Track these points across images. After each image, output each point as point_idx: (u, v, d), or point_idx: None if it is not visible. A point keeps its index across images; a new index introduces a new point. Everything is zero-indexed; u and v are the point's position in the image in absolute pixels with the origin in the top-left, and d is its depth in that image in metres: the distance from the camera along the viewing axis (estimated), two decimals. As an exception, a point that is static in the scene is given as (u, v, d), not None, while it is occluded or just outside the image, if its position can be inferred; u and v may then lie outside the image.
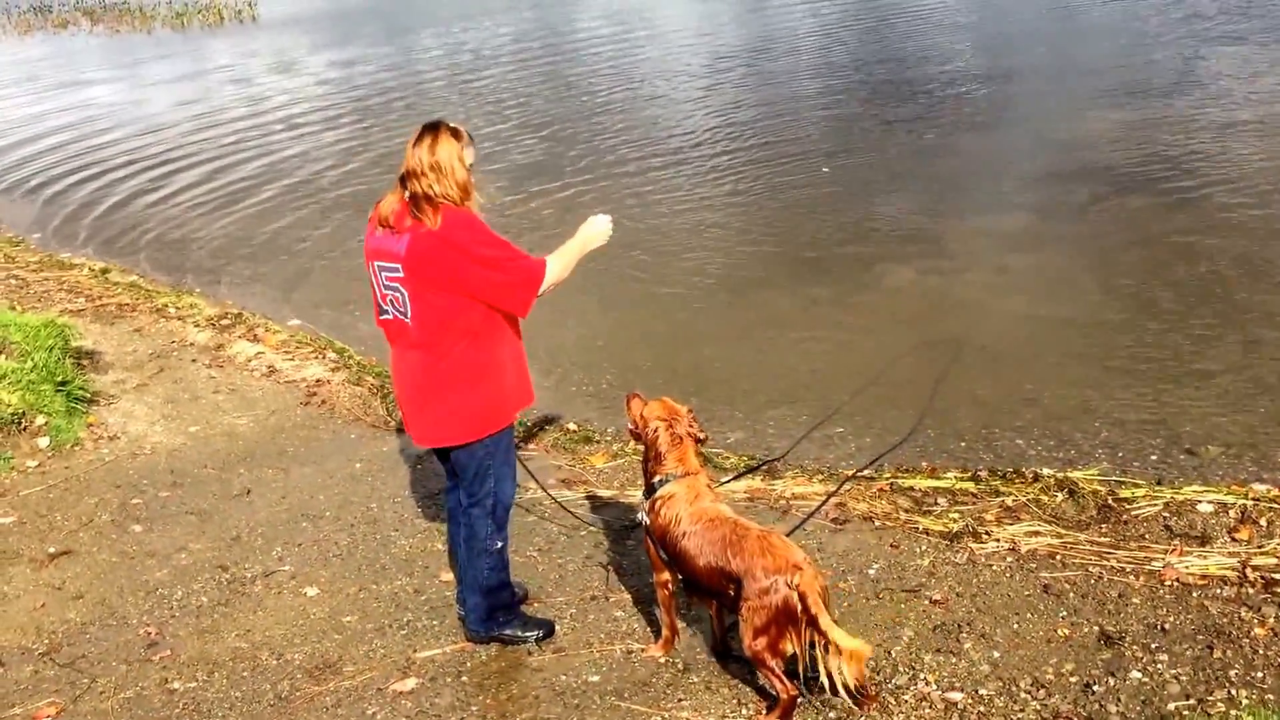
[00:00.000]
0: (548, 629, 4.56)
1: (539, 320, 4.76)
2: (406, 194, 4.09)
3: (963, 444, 6.28)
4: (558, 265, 4.27)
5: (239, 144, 16.06)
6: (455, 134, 4.15)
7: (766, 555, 3.76)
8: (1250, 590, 4.31)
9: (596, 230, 4.43)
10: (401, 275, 4.12)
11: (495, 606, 4.52)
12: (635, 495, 5.32)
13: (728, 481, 5.48)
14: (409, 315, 4.17)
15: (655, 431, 4.24)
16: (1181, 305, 7.55)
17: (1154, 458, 5.91)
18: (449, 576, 4.93)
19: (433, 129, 4.14)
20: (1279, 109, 11.27)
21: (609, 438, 6.52)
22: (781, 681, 3.78)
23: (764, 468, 5.85)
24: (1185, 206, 9.27)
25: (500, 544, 4.48)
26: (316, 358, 8.15)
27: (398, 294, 4.17)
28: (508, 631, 4.53)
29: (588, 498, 5.71)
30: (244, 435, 6.93)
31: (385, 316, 4.29)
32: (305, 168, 14.52)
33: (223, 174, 14.43)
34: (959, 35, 17.65)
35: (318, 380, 7.71)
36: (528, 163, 13.36)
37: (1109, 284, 8.07)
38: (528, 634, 4.52)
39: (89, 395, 7.31)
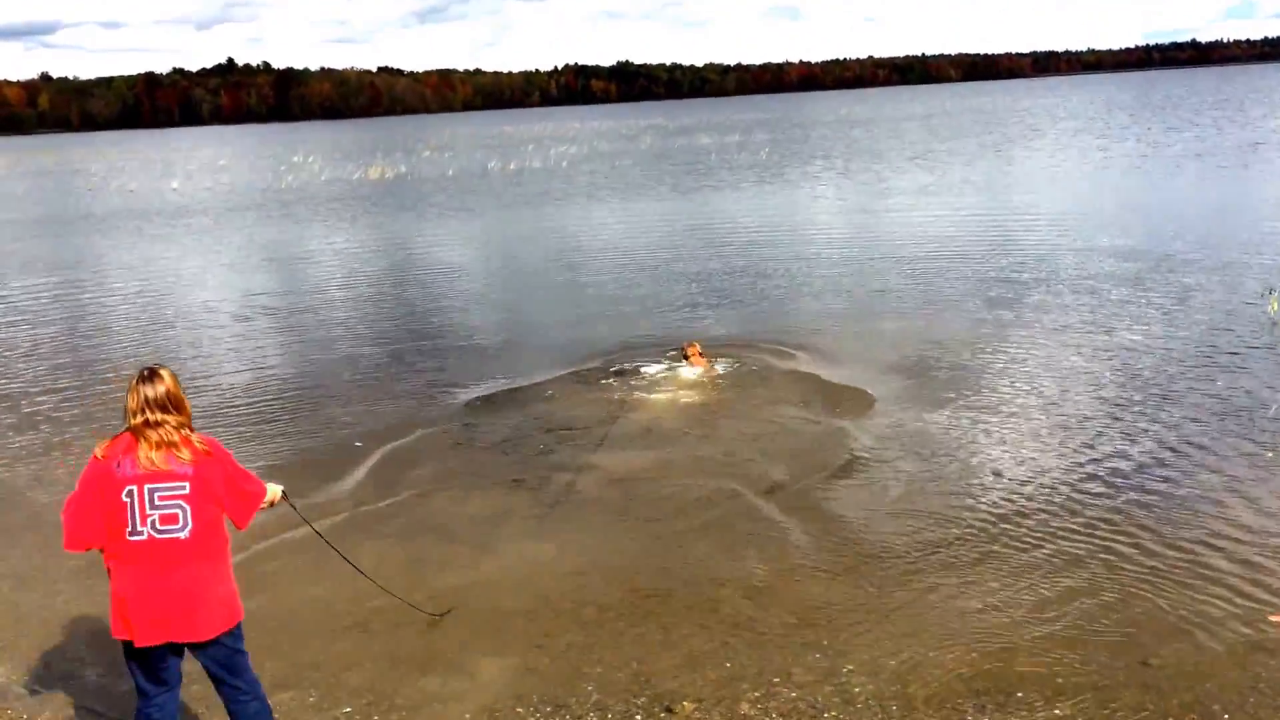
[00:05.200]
0: None
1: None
2: (161, 427, 4.88)
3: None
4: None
5: None
6: (173, 374, 5.06)
7: None
8: None
9: (273, 491, 5.44)
10: (187, 492, 4.88)
11: None
12: None
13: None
14: (189, 527, 4.88)
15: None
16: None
17: (639, 717, 6.14)
18: None
19: (154, 373, 4.99)
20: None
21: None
22: None
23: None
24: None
25: None
26: None
27: (175, 511, 4.85)
28: None
29: None
30: None
31: (138, 537, 4.84)
32: None
33: None
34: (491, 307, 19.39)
35: None
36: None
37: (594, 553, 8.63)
38: None
39: None
